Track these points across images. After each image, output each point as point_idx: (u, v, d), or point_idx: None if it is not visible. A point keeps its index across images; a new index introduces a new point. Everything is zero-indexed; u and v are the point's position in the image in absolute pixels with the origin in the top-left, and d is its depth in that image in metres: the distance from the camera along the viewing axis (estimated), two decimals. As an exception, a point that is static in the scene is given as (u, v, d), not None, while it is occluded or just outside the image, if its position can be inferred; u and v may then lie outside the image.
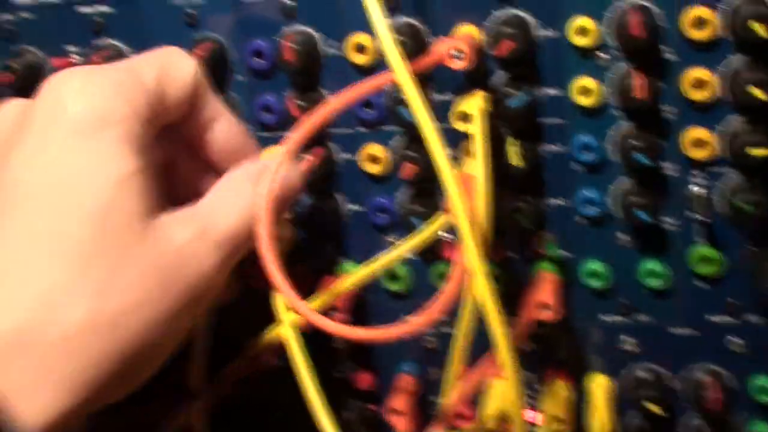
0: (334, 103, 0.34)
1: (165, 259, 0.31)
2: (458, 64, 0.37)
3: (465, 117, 0.38)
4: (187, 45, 0.42)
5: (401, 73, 0.33)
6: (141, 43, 0.43)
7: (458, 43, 0.37)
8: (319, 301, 0.38)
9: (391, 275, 0.44)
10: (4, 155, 0.31)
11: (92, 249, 0.29)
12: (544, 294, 0.41)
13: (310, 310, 0.33)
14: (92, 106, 0.31)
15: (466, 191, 0.36)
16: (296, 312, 0.33)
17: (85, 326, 0.29)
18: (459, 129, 0.38)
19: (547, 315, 0.40)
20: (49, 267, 0.29)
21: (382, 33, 0.34)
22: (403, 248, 0.38)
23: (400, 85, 0.34)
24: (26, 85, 0.44)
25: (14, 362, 0.28)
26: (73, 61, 0.44)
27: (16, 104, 0.34)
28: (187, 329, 0.33)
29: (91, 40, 0.44)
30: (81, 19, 0.44)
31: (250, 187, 0.35)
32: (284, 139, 0.35)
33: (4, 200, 0.30)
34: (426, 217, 0.42)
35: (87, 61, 0.43)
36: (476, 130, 0.37)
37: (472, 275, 0.34)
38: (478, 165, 0.36)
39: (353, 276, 0.39)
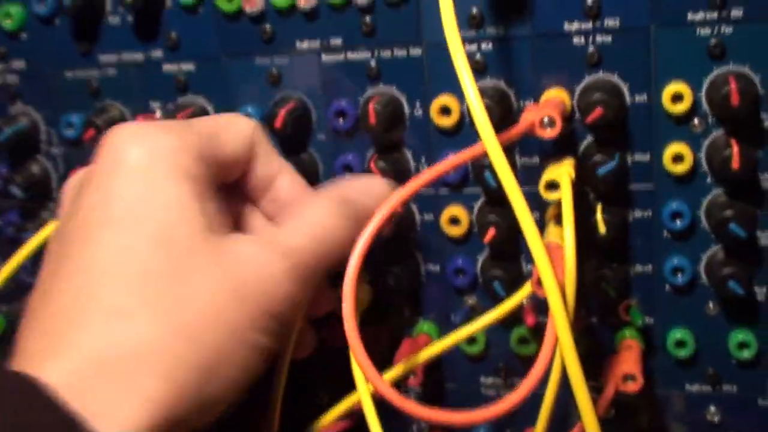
0: (427, 174, 0.34)
1: (234, 272, 0.31)
2: (549, 133, 0.36)
3: (552, 185, 0.37)
4: (269, 103, 0.42)
5: (492, 146, 0.33)
6: (224, 101, 0.44)
7: (549, 111, 0.36)
8: (397, 370, 0.38)
9: (470, 339, 0.44)
10: (75, 199, 0.33)
11: (159, 267, 0.30)
12: (629, 364, 0.40)
13: (389, 388, 0.32)
14: (146, 145, 0.32)
15: (553, 260, 0.35)
16: (376, 389, 0.33)
17: (160, 340, 0.29)
18: (547, 198, 0.37)
19: (632, 386, 0.39)
20: (122, 286, 0.30)
21: (473, 102, 0.33)
22: (487, 319, 0.37)
23: (490, 157, 0.33)
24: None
25: (93, 381, 0.28)
26: (157, 117, 0.44)
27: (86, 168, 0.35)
28: (267, 351, 0.33)
29: (174, 97, 0.44)
30: (165, 76, 0.44)
31: (327, 207, 0.35)
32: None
33: (78, 236, 0.31)
34: (506, 279, 0.42)
35: (171, 118, 0.43)
36: (565, 199, 0.36)
37: (560, 345, 0.33)
38: (566, 235, 0.35)
39: (433, 346, 0.38)
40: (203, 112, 0.44)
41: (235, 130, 0.35)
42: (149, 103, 0.45)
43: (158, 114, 0.45)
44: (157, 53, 0.44)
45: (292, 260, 0.33)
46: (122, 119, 0.45)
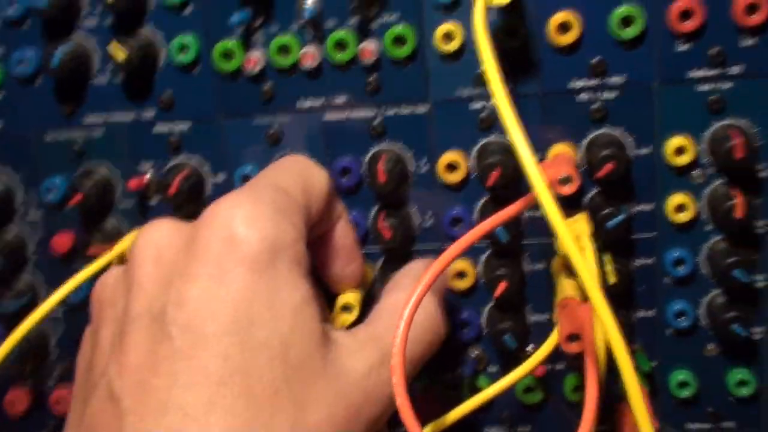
0: (474, 232, 0.33)
1: (349, 392, 0.30)
2: (566, 190, 0.37)
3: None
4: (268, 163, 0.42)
5: (547, 201, 0.32)
6: (221, 161, 0.42)
7: (566, 168, 0.37)
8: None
9: (527, 388, 0.44)
10: (170, 282, 0.30)
11: (280, 386, 0.28)
12: (641, 409, 0.41)
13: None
14: (264, 236, 0.30)
15: (577, 316, 0.36)
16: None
17: None
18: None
19: (647, 431, 0.40)
20: (243, 409, 0.27)
21: (526, 157, 0.32)
22: (519, 372, 0.37)
23: (543, 207, 0.32)
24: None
25: None
26: (147, 178, 0.43)
27: (173, 225, 0.32)
28: None
29: (167, 157, 0.43)
30: (157, 136, 0.42)
31: (428, 301, 0.35)
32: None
33: (182, 337, 0.28)
34: (515, 331, 0.42)
35: (165, 179, 0.41)
36: (588, 254, 0.36)
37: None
38: (594, 290, 0.36)
39: (470, 402, 0.38)
40: (199, 173, 0.42)
41: (318, 186, 0.34)
42: (139, 164, 0.43)
43: (148, 176, 0.43)
44: (149, 113, 0.42)
45: (408, 374, 0.32)
46: (109, 181, 0.43)
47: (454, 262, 0.42)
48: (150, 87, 0.42)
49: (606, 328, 0.30)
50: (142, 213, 0.44)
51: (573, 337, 0.35)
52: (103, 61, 0.42)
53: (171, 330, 0.29)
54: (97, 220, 0.44)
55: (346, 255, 0.38)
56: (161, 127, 0.42)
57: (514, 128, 0.30)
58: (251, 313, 0.29)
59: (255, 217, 0.30)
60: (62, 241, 0.44)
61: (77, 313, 0.45)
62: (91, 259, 0.42)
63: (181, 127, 0.42)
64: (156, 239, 0.32)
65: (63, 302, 0.43)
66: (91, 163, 0.43)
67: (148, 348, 0.29)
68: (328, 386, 0.30)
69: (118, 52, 0.39)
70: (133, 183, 0.42)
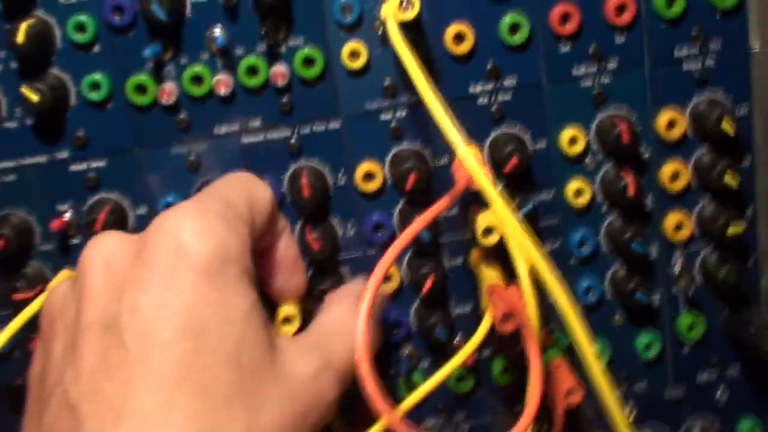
0: (404, 236, 0.36)
1: (298, 394, 0.32)
2: (482, 184, 0.40)
3: (489, 230, 0.41)
4: (189, 191, 0.43)
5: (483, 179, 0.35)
6: (141, 194, 0.43)
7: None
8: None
9: (459, 377, 0.46)
10: (122, 291, 0.30)
11: (234, 389, 0.29)
12: (566, 380, 0.44)
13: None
14: (213, 245, 0.31)
15: (506, 300, 0.39)
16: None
17: None
18: (485, 243, 0.41)
19: (576, 398, 0.43)
20: (200, 411, 0.28)
21: (464, 153, 0.35)
22: (458, 359, 0.40)
23: (484, 189, 0.35)
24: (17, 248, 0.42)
25: None
26: (66, 218, 0.43)
27: (121, 236, 0.33)
28: None
29: (85, 196, 0.43)
30: (73, 176, 0.43)
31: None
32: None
33: (136, 344, 0.29)
34: (445, 324, 0.44)
35: (87, 218, 0.41)
36: (517, 242, 0.39)
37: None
38: (523, 277, 0.38)
39: (418, 392, 0.40)
40: (121, 208, 0.43)
41: (262, 201, 0.36)
42: (57, 205, 0.43)
43: (68, 215, 0.43)
44: (63, 153, 0.42)
45: (344, 382, 0.34)
46: (28, 225, 0.43)
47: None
48: (62, 127, 0.42)
49: (551, 288, 0.32)
50: (63, 254, 0.43)
51: (506, 318, 0.38)
52: (10, 105, 0.41)
53: (125, 337, 0.29)
54: (18, 266, 0.43)
55: (289, 267, 0.39)
56: (77, 166, 0.42)
57: (445, 121, 0.33)
58: (203, 320, 0.30)
59: (203, 227, 0.31)
60: (-18, 293, 0.43)
61: (4, 362, 0.44)
62: (15, 306, 0.42)
63: (98, 163, 0.43)
64: (104, 250, 0.33)
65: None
66: (7, 208, 0.43)
67: (102, 355, 0.30)
68: (277, 388, 0.31)
69: (31, 94, 0.39)
70: (55, 224, 0.42)
